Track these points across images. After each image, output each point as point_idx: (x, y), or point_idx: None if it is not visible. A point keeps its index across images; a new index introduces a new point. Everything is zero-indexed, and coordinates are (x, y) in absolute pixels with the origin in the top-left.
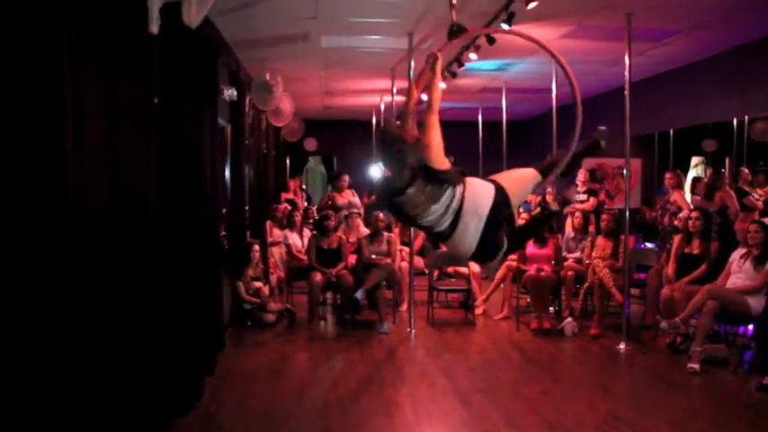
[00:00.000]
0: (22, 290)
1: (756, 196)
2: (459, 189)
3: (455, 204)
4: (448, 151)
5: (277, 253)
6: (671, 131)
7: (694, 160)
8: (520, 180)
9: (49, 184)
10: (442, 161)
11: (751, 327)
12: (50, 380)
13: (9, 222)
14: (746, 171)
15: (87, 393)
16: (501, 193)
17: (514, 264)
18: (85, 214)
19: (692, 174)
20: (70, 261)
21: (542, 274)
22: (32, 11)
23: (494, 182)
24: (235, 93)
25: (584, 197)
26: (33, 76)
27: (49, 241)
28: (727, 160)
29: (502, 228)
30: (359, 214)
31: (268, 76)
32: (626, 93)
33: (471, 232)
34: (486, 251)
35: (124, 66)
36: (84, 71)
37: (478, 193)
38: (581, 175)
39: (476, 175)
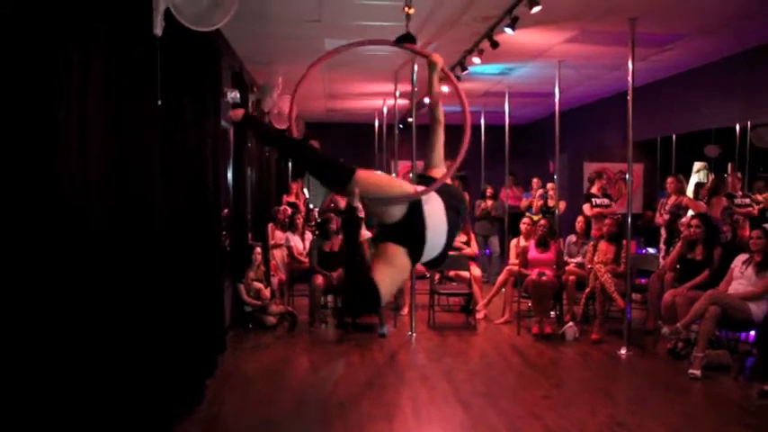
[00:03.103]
0: (21, 293)
1: (747, 201)
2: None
3: None
4: (451, 154)
5: (278, 255)
6: (673, 136)
7: (696, 165)
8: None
9: (52, 186)
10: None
11: (753, 333)
12: (50, 383)
13: (11, 225)
14: (738, 175)
15: (87, 395)
16: None
17: (516, 268)
18: (88, 216)
19: (693, 179)
20: (71, 263)
21: (544, 278)
22: (35, 12)
23: None
24: (238, 95)
25: (606, 201)
26: (37, 78)
27: (50, 244)
28: (729, 166)
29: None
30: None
31: (268, 78)
32: (629, 98)
33: None
34: None
35: (128, 68)
36: (87, 73)
37: None
38: (598, 183)
39: (478, 178)
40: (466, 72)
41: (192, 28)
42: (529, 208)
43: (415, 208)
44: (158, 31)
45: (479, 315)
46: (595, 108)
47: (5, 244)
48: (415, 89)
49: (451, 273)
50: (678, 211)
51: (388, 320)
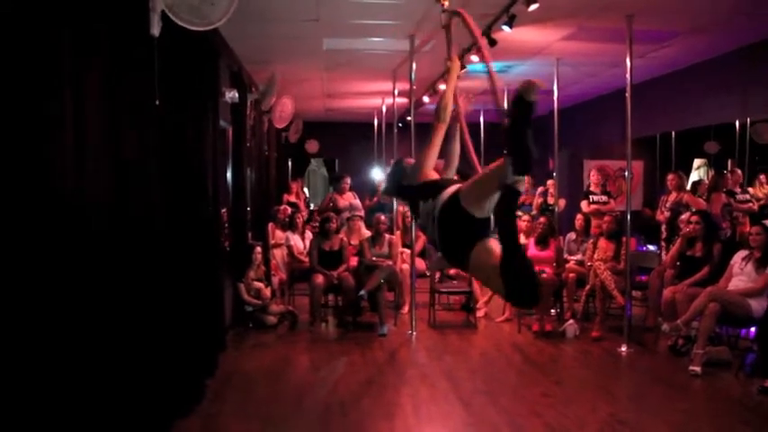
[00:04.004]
0: (21, 292)
1: (747, 197)
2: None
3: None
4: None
5: (279, 255)
6: (673, 133)
7: (696, 162)
8: (477, 177)
9: (50, 186)
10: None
11: (753, 329)
12: (51, 381)
13: (10, 224)
14: (739, 172)
15: (88, 394)
16: (454, 194)
17: None
18: (86, 216)
19: (693, 176)
20: (71, 263)
21: (544, 276)
22: (33, 11)
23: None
24: (236, 94)
25: (604, 198)
26: (35, 78)
27: (50, 243)
28: (729, 162)
29: (459, 226)
30: (360, 217)
31: (269, 78)
32: (627, 95)
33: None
34: (448, 249)
35: (126, 67)
36: (85, 73)
37: (441, 198)
38: (593, 176)
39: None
40: (464, 70)
41: (188, 28)
42: (520, 205)
43: None
44: (155, 31)
45: (480, 313)
46: (594, 105)
47: (6, 244)
48: (414, 87)
49: (452, 271)
50: (679, 207)
51: (388, 319)
